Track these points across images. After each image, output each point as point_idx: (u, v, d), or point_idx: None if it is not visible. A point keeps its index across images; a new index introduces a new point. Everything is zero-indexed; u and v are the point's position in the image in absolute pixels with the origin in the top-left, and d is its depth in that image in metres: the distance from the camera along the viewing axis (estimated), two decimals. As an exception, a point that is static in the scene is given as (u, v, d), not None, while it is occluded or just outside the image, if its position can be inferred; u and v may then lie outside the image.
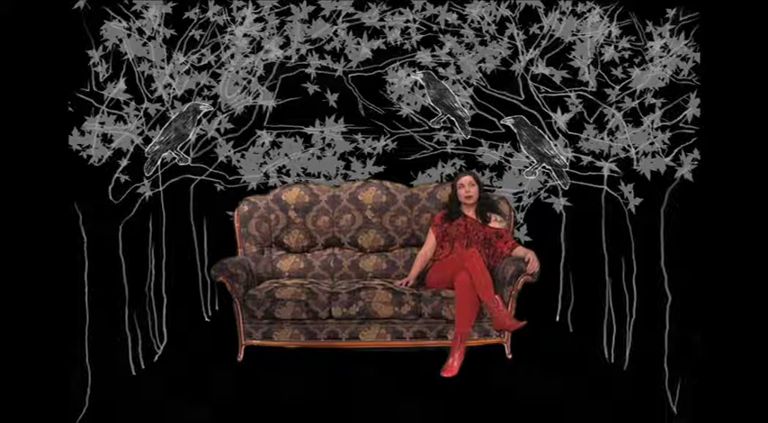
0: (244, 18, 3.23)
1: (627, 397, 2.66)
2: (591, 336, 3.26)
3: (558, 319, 3.72)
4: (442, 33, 3.30)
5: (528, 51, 3.24)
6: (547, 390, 2.75)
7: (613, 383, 2.82)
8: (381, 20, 3.30)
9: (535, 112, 3.26)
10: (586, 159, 3.18)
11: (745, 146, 2.17)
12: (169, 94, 3.17)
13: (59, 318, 2.39)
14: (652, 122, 3.00)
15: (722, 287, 2.15)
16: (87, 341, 2.61)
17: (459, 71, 3.35)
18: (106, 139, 2.98)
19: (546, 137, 3.12)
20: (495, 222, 3.37)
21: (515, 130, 3.15)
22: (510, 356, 3.13)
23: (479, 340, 3.13)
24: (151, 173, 2.98)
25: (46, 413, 2.29)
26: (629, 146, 3.02)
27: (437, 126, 3.39)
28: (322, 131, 3.57)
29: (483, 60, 3.30)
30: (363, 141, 3.60)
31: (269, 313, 3.09)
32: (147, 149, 2.97)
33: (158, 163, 3.00)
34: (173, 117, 3.04)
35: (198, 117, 3.06)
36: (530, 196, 3.61)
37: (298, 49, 3.32)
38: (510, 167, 3.56)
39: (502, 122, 3.22)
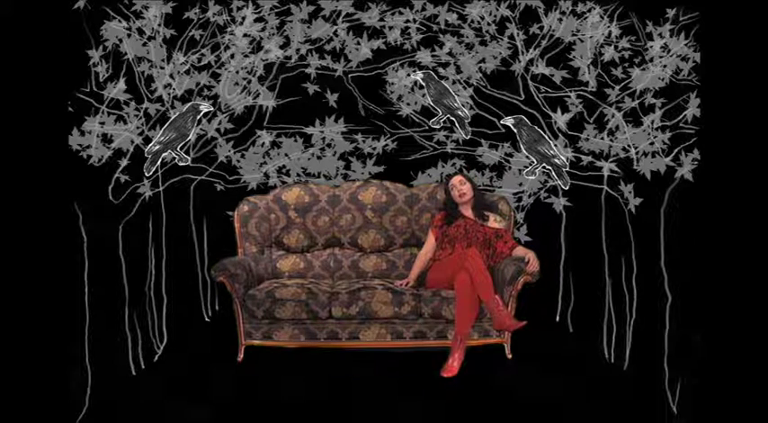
0: (244, 18, 3.23)
1: (627, 397, 2.66)
2: (591, 336, 3.26)
3: (558, 319, 3.72)
4: (442, 33, 3.29)
5: (528, 51, 3.24)
6: (547, 390, 2.75)
7: (613, 383, 2.82)
8: (381, 20, 3.29)
9: (535, 112, 3.25)
10: (586, 159, 3.18)
11: (745, 146, 2.17)
12: (169, 94, 3.16)
13: (59, 318, 2.39)
14: (652, 122, 3.00)
15: (722, 287, 2.15)
16: (87, 341, 2.61)
17: (459, 71, 3.35)
18: (106, 139, 2.98)
19: (546, 137, 3.12)
20: (495, 222, 3.38)
21: (515, 131, 3.15)
22: (510, 356, 3.13)
23: (479, 340, 3.13)
24: (151, 173, 2.98)
25: (46, 413, 2.28)
26: (629, 146, 3.01)
27: (437, 126, 3.39)
28: (322, 131, 3.57)
29: (483, 60, 3.30)
30: (363, 141, 3.60)
31: (269, 313, 3.09)
32: (146, 150, 2.97)
33: (158, 163, 3.00)
34: (173, 117, 3.04)
35: (198, 117, 3.06)
36: (530, 196, 3.61)
37: (298, 49, 3.32)
38: (510, 167, 3.56)
39: (502, 122, 3.21)
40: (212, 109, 3.16)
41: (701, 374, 2.22)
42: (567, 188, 3.19)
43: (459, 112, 3.27)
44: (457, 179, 3.38)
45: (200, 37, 3.23)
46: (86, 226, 2.64)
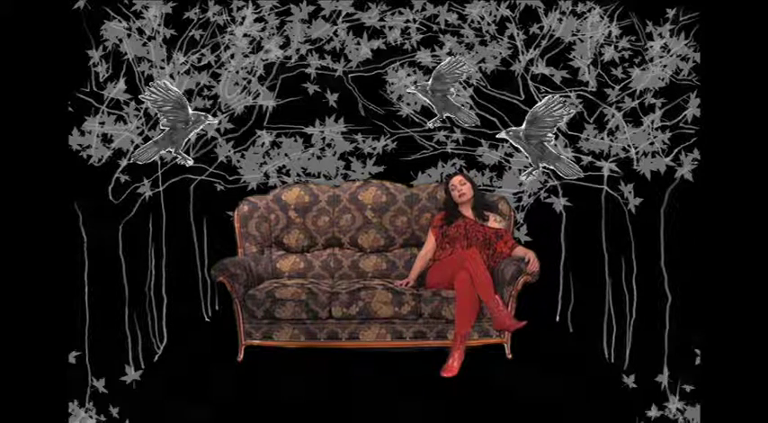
0: (244, 18, 3.23)
1: (627, 397, 2.66)
2: (591, 336, 3.26)
3: (558, 319, 3.72)
4: (442, 33, 3.29)
5: (528, 51, 3.24)
6: (547, 390, 2.75)
7: (613, 383, 2.82)
8: (381, 20, 3.29)
9: (535, 112, 3.25)
10: (586, 159, 3.18)
11: (745, 146, 2.17)
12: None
13: (59, 318, 2.39)
14: (652, 122, 2.99)
15: (722, 287, 2.15)
16: (87, 341, 2.60)
17: (458, 71, 3.34)
18: (106, 139, 2.98)
19: (548, 149, 3.08)
20: (495, 222, 3.38)
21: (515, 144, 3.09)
22: (510, 356, 3.13)
23: (479, 340, 3.13)
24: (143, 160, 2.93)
25: (46, 413, 2.28)
26: (629, 146, 3.01)
27: (434, 126, 3.36)
28: (322, 131, 3.57)
29: (483, 60, 3.29)
30: (363, 141, 3.60)
31: (269, 313, 3.09)
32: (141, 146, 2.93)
33: (153, 158, 2.96)
34: (176, 126, 3.01)
35: (199, 127, 3.02)
36: (530, 196, 3.61)
37: (298, 49, 3.32)
38: (510, 167, 3.56)
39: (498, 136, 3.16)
40: (217, 121, 3.15)
41: (700, 374, 2.22)
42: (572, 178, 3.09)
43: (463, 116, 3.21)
44: (457, 179, 3.39)
45: (200, 37, 3.23)
46: (86, 226, 2.64)
